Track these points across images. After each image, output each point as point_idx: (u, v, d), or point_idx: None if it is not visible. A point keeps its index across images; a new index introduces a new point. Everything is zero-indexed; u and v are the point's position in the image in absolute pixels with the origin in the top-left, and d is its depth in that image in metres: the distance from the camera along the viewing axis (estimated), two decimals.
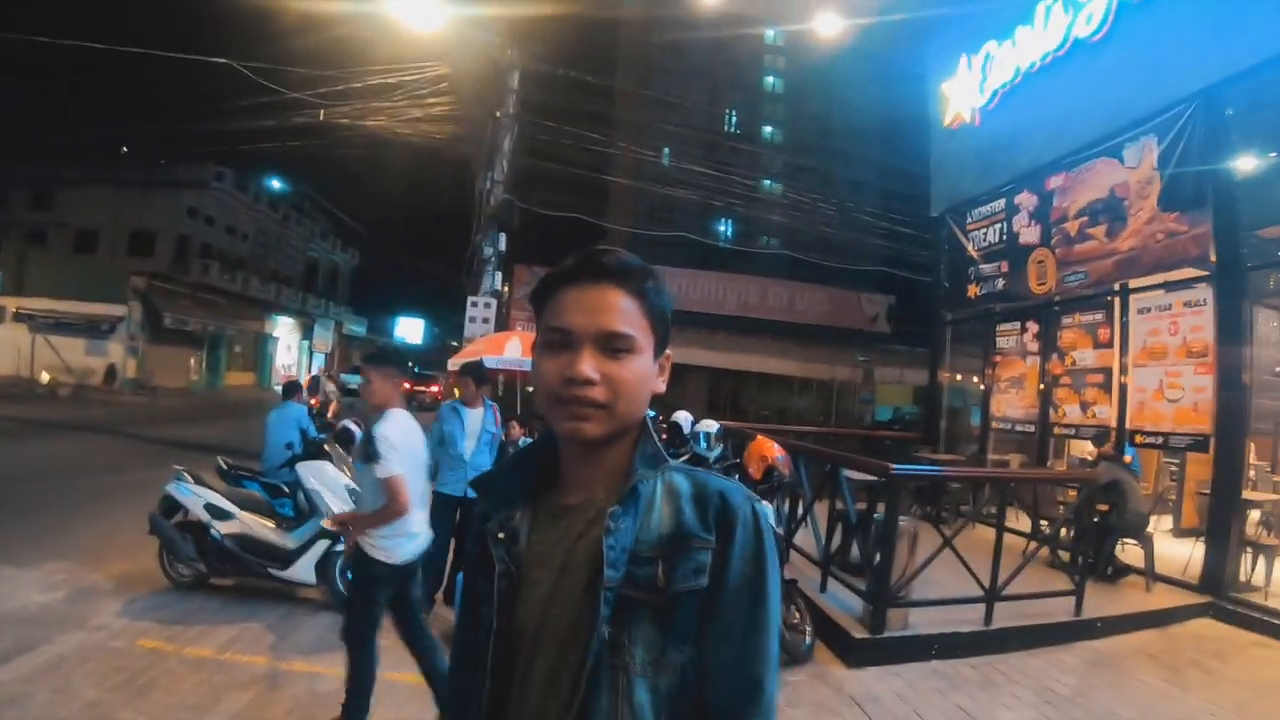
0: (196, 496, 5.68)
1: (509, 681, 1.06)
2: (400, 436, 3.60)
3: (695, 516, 1.04)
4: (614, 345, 1.04)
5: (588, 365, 1.02)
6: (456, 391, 6.25)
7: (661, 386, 1.14)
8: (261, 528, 5.70)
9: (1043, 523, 7.86)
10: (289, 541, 5.63)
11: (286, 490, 6.05)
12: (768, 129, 49.65)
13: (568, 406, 1.03)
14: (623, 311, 1.05)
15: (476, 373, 6.06)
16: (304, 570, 5.56)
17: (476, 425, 5.87)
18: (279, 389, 9.21)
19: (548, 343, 1.06)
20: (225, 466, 6.47)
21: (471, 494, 5.61)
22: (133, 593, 5.56)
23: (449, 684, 1.26)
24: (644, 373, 1.07)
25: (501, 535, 1.09)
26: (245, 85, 15.37)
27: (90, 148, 35.69)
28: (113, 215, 35.88)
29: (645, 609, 0.99)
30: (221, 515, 5.62)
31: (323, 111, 16.17)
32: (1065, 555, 7.17)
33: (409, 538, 3.67)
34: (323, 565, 5.58)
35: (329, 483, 5.73)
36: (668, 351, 1.15)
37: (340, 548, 5.48)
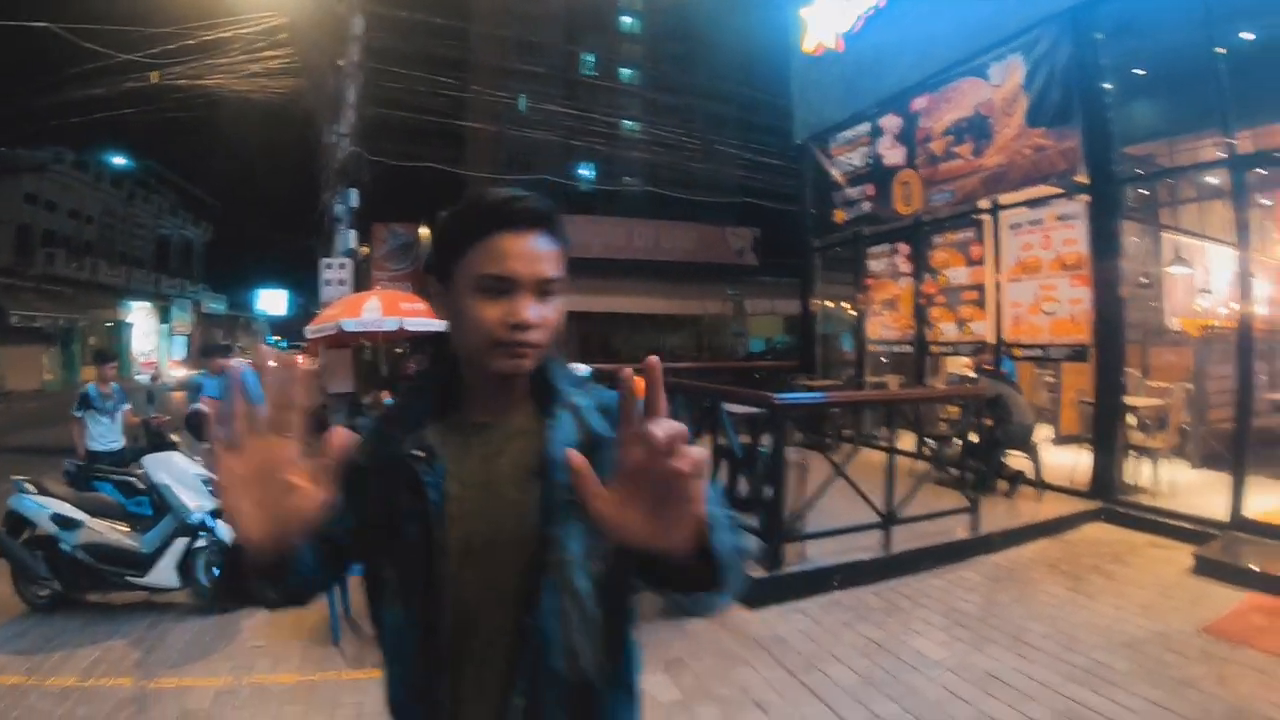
0: (41, 508, 4.93)
1: (441, 598, 1.07)
2: None
3: (604, 423, 1.14)
4: (547, 290, 1.10)
5: (532, 311, 1.07)
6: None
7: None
8: (114, 533, 5.00)
9: (928, 441, 7.90)
10: (144, 545, 4.96)
11: (143, 487, 5.32)
12: (626, 70, 48.80)
13: (509, 349, 1.08)
14: (553, 258, 1.10)
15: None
16: (164, 574, 4.93)
17: None
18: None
19: (484, 288, 1.08)
20: (73, 469, 5.72)
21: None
22: None
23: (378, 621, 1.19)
24: (563, 310, 1.14)
25: (419, 453, 1.11)
26: (68, 51, 13.69)
27: None
28: None
29: (575, 507, 0.95)
30: (70, 525, 4.91)
31: (156, 74, 14.73)
32: (954, 472, 7.19)
33: None
34: (184, 565, 4.95)
35: (180, 475, 5.11)
36: None
37: (202, 543, 4.95)
